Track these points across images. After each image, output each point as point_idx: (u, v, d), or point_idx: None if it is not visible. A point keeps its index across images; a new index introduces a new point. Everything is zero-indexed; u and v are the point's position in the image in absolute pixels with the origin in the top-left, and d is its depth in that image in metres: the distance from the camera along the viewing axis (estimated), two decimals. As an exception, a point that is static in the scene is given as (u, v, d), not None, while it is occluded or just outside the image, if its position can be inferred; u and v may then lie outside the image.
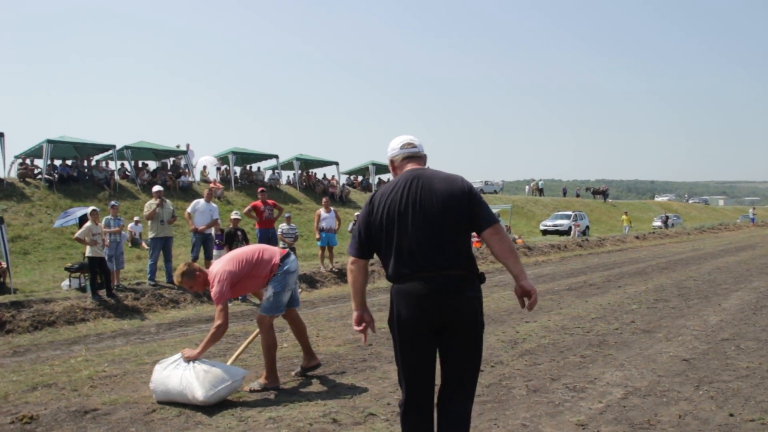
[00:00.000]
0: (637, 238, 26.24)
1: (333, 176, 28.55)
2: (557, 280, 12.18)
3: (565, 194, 49.49)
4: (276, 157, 26.86)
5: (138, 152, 23.05)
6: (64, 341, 7.28)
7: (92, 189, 19.30)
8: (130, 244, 15.08)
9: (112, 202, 10.90)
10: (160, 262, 10.54)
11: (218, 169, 24.99)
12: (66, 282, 10.28)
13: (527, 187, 49.68)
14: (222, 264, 4.70)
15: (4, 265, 10.07)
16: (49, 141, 19.67)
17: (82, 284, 9.91)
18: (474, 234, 2.83)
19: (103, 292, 9.15)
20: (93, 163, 21.71)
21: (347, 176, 31.45)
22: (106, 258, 9.34)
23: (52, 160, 19.98)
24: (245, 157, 26.61)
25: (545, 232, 29.02)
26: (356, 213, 15.08)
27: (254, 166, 27.08)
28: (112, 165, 22.11)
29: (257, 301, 9.68)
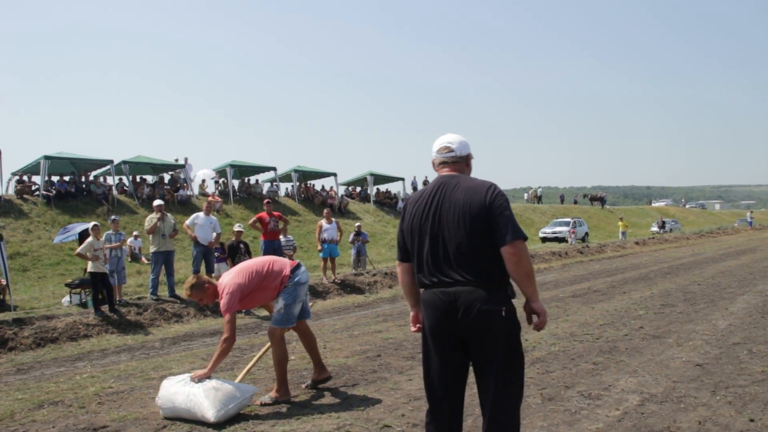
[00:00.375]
0: (637, 243, 26.26)
1: (331, 187, 28.48)
2: (561, 287, 12.13)
3: (562, 201, 49.48)
4: (274, 169, 26.84)
5: (136, 167, 23.06)
6: (68, 358, 7.19)
7: (90, 204, 19.22)
8: (129, 259, 14.99)
9: (113, 217, 10.83)
10: (162, 277, 10.47)
11: (216, 182, 24.95)
12: (66, 298, 10.20)
13: (526, 194, 49.67)
14: (231, 276, 4.64)
15: (3, 282, 9.98)
16: (46, 157, 19.63)
17: (83, 300, 9.82)
18: None
19: (105, 308, 9.07)
20: (91, 178, 21.62)
21: (346, 187, 31.37)
22: (108, 273, 9.27)
23: (49, 176, 19.91)
24: (243, 170, 26.56)
25: (545, 240, 28.94)
26: (357, 224, 15.03)
27: (252, 179, 27.03)
28: (110, 180, 22.03)
29: (259, 314, 9.64)
